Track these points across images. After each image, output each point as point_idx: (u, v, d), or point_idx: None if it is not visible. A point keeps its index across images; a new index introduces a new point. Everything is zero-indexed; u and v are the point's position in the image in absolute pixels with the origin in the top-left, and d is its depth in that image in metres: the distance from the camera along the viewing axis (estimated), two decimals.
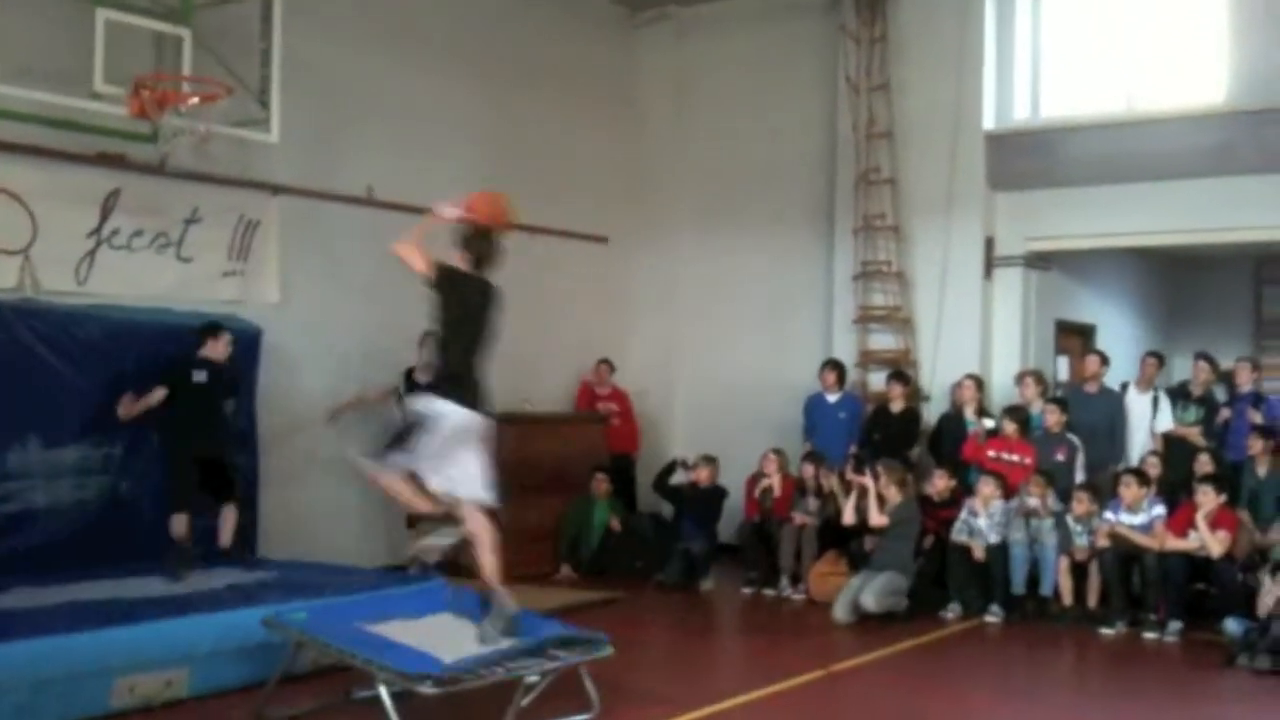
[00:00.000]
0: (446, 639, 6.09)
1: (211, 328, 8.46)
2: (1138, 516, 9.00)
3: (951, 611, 9.34)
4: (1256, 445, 9.40)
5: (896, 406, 10.85)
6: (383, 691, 5.49)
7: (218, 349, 8.42)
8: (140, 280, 8.73)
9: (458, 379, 6.24)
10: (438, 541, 6.46)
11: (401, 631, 6.18)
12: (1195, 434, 10.09)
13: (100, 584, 7.34)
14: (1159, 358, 10.78)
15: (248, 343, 9.06)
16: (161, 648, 6.32)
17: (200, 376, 8.27)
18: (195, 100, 8.23)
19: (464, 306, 6.34)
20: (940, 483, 9.88)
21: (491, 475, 6.28)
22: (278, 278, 9.66)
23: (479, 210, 6.47)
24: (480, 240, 6.41)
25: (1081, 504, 9.25)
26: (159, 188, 8.83)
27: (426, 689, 5.35)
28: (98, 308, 8.37)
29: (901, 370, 11.12)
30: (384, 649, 5.77)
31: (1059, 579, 9.20)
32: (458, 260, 6.37)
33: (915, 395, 11.29)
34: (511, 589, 7.41)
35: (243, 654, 6.56)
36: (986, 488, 9.42)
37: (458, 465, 6.18)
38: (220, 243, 9.31)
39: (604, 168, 12.73)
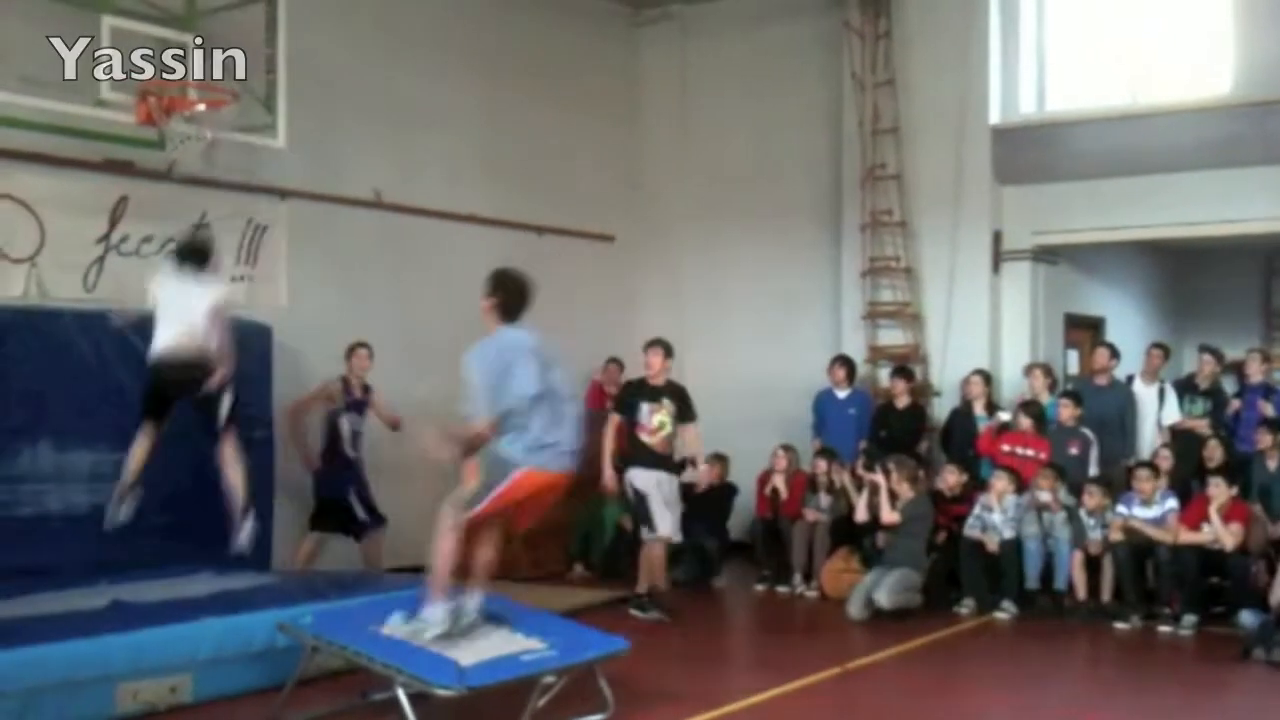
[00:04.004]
0: (463, 641, 6.08)
1: None
2: (1150, 510, 8.99)
3: (965, 607, 9.33)
4: (1266, 439, 9.35)
5: (901, 403, 10.83)
6: (401, 695, 5.49)
7: None
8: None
9: None
10: None
11: None
12: (1203, 426, 10.06)
13: (112, 588, 7.37)
14: (1164, 349, 10.75)
15: (258, 341, 9.08)
16: (164, 653, 6.32)
17: None
18: (202, 106, 8.24)
19: None
20: (952, 478, 9.87)
21: None
22: (286, 282, 9.67)
23: None
24: None
25: (1094, 498, 9.24)
26: (167, 194, 8.85)
27: (447, 693, 5.34)
28: (107, 313, 8.37)
29: (905, 366, 11.11)
30: (400, 652, 5.76)
31: (1072, 573, 9.18)
32: None
33: (926, 391, 11.29)
34: (526, 588, 7.41)
35: (247, 659, 6.57)
36: (1000, 482, 9.41)
37: None
38: (228, 247, 9.29)
39: (609, 167, 12.74)
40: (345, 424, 9.26)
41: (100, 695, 6.06)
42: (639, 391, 9.08)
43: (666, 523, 8.85)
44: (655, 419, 8.91)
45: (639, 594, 8.94)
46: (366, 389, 9.43)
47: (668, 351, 9.11)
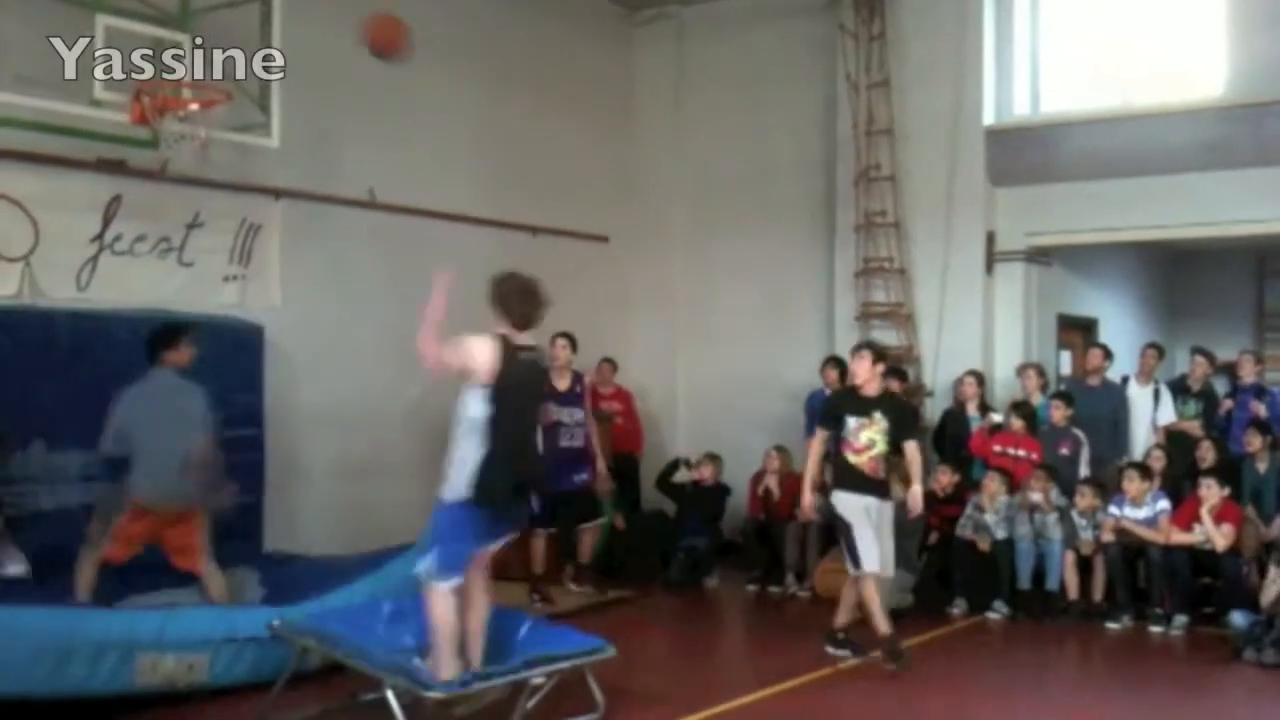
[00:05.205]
0: None
1: None
2: (1142, 510, 9.02)
3: (957, 607, 9.35)
4: (1255, 442, 9.39)
5: None
6: (389, 696, 5.49)
7: None
8: (142, 286, 8.72)
9: None
10: None
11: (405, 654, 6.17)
12: (1195, 428, 10.10)
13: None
14: (1159, 350, 10.78)
15: (250, 341, 9.10)
16: (183, 630, 6.47)
17: None
18: (195, 106, 8.23)
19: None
20: (944, 479, 9.89)
21: None
22: (279, 281, 9.65)
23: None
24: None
25: (1085, 498, 9.26)
26: (160, 193, 8.83)
27: (435, 695, 5.35)
28: (99, 313, 8.38)
29: (898, 367, 11.10)
30: (390, 654, 5.77)
31: (1064, 574, 9.21)
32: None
33: (918, 391, 11.30)
34: (518, 589, 7.37)
35: (259, 645, 6.62)
36: (992, 483, 9.43)
37: None
38: (222, 247, 9.31)
39: (604, 167, 12.74)
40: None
41: (123, 664, 6.23)
42: (846, 403, 7.84)
43: (873, 557, 7.54)
44: (864, 435, 7.63)
45: (835, 630, 7.89)
46: (578, 379, 9.49)
47: (877, 356, 7.83)
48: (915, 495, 7.82)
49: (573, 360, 9.65)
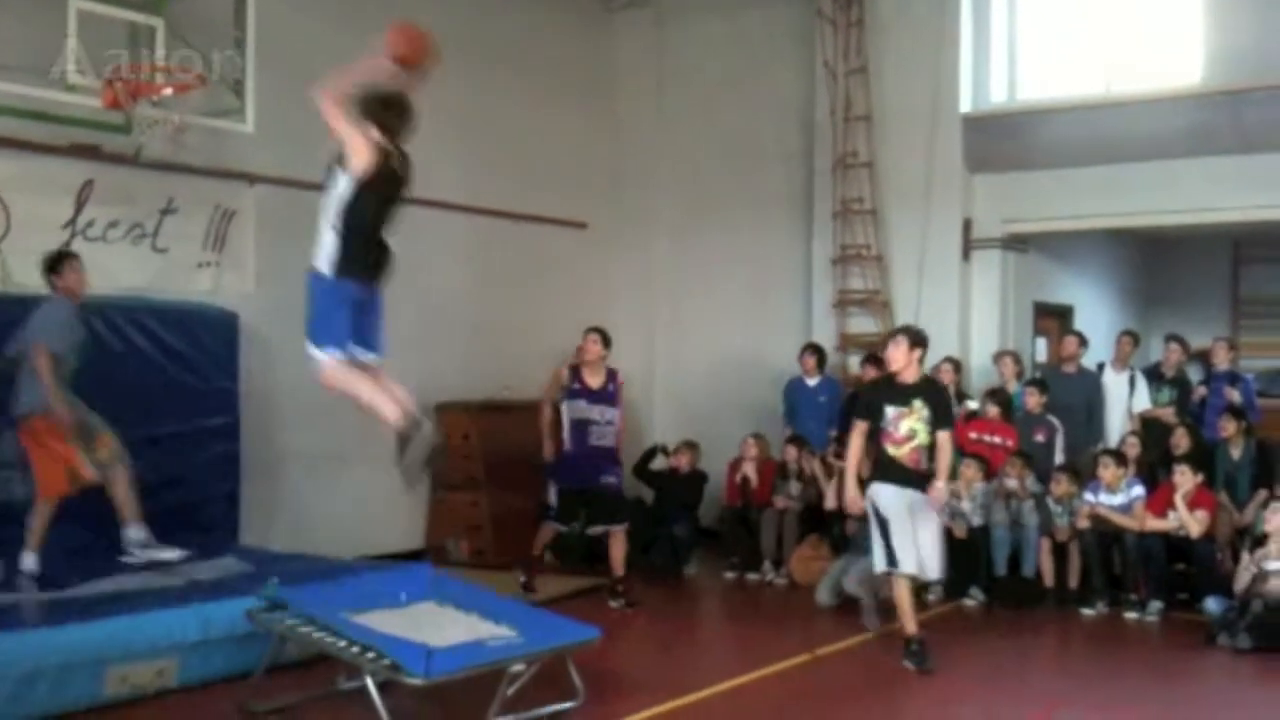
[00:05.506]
0: (431, 628, 6.08)
1: None
2: (1117, 497, 9.07)
3: (933, 594, 9.38)
4: (1229, 427, 9.46)
5: None
6: (369, 682, 5.48)
7: None
8: (115, 271, 8.65)
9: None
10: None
11: (385, 621, 6.15)
12: (1169, 414, 10.16)
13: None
14: (1134, 336, 10.82)
15: (225, 328, 9.04)
16: (151, 638, 6.37)
17: None
18: (169, 91, 8.16)
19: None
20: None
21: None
22: (254, 267, 9.59)
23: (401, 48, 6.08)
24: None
25: (1061, 485, 9.31)
26: (133, 178, 8.77)
27: (415, 680, 5.33)
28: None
29: (875, 354, 11.11)
30: (370, 639, 5.74)
31: (1040, 560, 9.26)
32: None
33: None
34: (496, 576, 7.35)
35: (229, 644, 6.58)
36: (969, 470, 9.46)
37: None
38: (196, 233, 9.25)
39: (582, 154, 12.70)
40: (565, 411, 9.02)
41: (90, 679, 6.12)
42: (884, 392, 7.44)
43: (910, 558, 7.20)
44: (904, 426, 7.26)
45: (909, 638, 7.38)
46: (612, 376, 9.10)
47: (914, 341, 7.37)
48: (939, 490, 7.34)
49: (606, 356, 9.10)
